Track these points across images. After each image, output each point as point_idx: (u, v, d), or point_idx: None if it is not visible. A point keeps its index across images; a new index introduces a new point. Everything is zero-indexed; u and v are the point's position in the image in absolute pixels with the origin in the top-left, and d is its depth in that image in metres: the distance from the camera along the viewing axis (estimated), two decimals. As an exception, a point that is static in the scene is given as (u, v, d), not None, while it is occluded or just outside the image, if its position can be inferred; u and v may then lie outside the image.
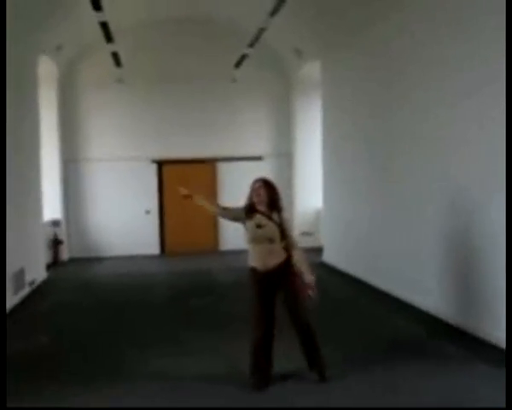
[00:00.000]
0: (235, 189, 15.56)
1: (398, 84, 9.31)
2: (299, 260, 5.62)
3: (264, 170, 15.40)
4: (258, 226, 5.58)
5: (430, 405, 5.13)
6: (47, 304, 9.78)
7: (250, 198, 5.76)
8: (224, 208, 6.15)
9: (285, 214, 5.78)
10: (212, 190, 15.73)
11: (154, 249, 15.58)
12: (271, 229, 5.58)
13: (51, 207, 14.28)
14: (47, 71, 13.56)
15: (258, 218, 5.62)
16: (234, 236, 15.53)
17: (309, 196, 15.15)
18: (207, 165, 15.76)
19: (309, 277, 5.55)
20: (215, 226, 15.82)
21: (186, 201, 6.29)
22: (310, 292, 5.51)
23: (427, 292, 8.19)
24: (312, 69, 14.20)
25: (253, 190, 5.72)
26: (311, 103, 15.03)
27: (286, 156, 15.87)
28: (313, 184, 14.67)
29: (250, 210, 5.71)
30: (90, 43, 14.15)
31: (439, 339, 7.06)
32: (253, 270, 5.65)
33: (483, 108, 6.78)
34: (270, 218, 5.62)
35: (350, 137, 11.65)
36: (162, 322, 8.38)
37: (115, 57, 13.52)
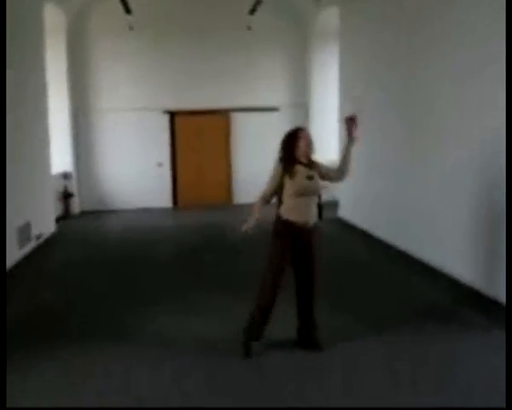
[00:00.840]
0: (249, 140, 15.32)
1: (419, 36, 8.76)
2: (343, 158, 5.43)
3: (279, 121, 15.09)
4: (310, 178, 5.16)
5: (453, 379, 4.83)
6: (52, 259, 9.57)
7: (292, 148, 5.19)
8: (265, 196, 5.28)
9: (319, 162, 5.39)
10: (225, 142, 15.40)
11: (167, 202, 15.30)
12: (318, 181, 5.26)
13: (62, 160, 14.02)
14: (54, 20, 13.15)
15: (304, 169, 5.17)
16: (248, 189, 15.28)
17: (325, 147, 14.70)
18: (221, 115, 15.33)
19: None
20: (229, 179, 15.52)
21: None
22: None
23: (450, 254, 7.76)
24: (330, 17, 13.64)
25: (303, 139, 5.20)
26: (329, 52, 14.50)
27: (302, 107, 15.40)
28: (330, 136, 14.19)
29: (290, 162, 5.18)
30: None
31: (464, 306, 6.63)
32: (287, 223, 5.14)
33: None
34: (312, 168, 5.26)
35: (368, 87, 11.14)
36: (172, 280, 8.12)
37: (124, 3, 13.01)
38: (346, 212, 12.58)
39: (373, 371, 4.95)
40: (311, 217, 5.22)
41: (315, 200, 5.26)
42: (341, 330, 5.85)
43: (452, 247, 7.71)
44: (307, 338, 5.39)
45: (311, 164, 5.26)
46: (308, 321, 5.39)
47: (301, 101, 15.42)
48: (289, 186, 5.12)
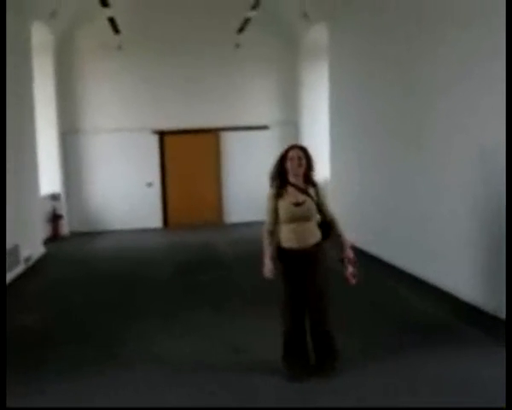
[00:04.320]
0: (239, 159, 15.21)
1: (409, 47, 8.71)
2: (343, 234, 5.13)
3: (269, 139, 15.01)
4: (297, 205, 4.91)
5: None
6: (41, 282, 9.39)
7: (282, 167, 4.99)
8: (268, 228, 5.04)
9: (321, 188, 5.13)
10: (215, 161, 15.29)
11: (157, 223, 15.14)
12: (310, 206, 4.97)
13: (50, 181, 13.83)
14: (42, 39, 13.01)
15: (293, 193, 4.94)
16: (238, 209, 15.19)
17: (317, 165, 14.58)
18: (211, 135, 15.24)
19: (351, 252, 5.08)
20: (219, 199, 15.40)
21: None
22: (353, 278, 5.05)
23: (448, 270, 7.55)
24: (320, 33, 13.56)
25: (291, 160, 4.94)
26: (319, 69, 14.38)
27: (292, 125, 15.30)
28: (321, 153, 14.09)
29: (281, 183, 4.99)
30: (87, 8, 13.54)
31: (465, 323, 6.43)
32: (285, 251, 4.97)
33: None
34: (306, 193, 4.99)
35: (359, 103, 11.08)
36: (165, 300, 7.96)
37: (112, 23, 12.94)
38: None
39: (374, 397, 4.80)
40: (306, 240, 4.96)
41: (311, 224, 5.01)
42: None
43: (447, 259, 7.56)
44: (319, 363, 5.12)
45: (307, 187, 5.04)
46: (322, 348, 5.12)
47: (291, 118, 15.34)
48: (281, 212, 4.96)
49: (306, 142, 14.65)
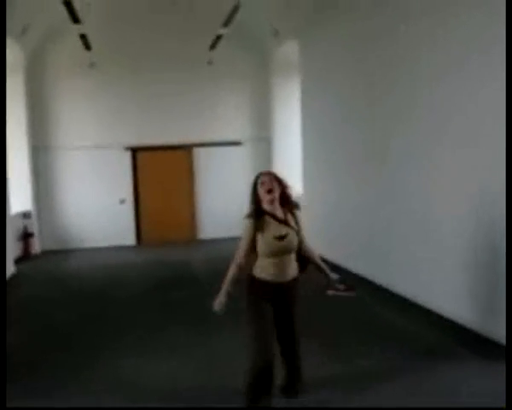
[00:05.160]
0: (212, 175, 15.21)
1: (380, 62, 8.83)
2: (319, 260, 4.95)
3: (242, 155, 15.07)
4: (280, 238, 4.49)
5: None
6: (12, 301, 9.19)
7: (256, 197, 4.61)
8: (241, 262, 4.58)
9: (298, 213, 4.79)
10: (189, 177, 15.26)
11: (130, 240, 15.02)
12: (293, 239, 4.58)
13: (21, 199, 13.64)
14: (12, 55, 12.87)
15: (274, 226, 4.52)
16: (212, 225, 15.17)
17: (289, 181, 14.59)
18: (184, 151, 15.20)
19: (333, 275, 4.91)
20: (193, 215, 15.35)
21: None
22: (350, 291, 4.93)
23: (431, 288, 7.42)
24: (291, 49, 13.67)
25: (263, 184, 4.57)
26: (291, 85, 14.49)
27: (265, 141, 15.34)
28: (294, 169, 14.13)
29: (258, 213, 4.57)
30: (58, 24, 13.42)
31: (454, 346, 6.26)
32: (261, 282, 4.57)
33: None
34: (286, 223, 4.61)
35: (331, 118, 11.16)
36: (140, 319, 7.85)
37: (84, 40, 12.87)
38: (312, 245, 12.39)
39: None
40: (286, 274, 4.61)
41: (292, 256, 4.67)
42: (325, 375, 5.54)
43: (438, 280, 7.32)
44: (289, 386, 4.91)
45: (286, 214, 4.67)
46: (292, 372, 4.88)
47: (264, 134, 15.36)
48: (260, 244, 4.54)
49: (279, 157, 14.80)
